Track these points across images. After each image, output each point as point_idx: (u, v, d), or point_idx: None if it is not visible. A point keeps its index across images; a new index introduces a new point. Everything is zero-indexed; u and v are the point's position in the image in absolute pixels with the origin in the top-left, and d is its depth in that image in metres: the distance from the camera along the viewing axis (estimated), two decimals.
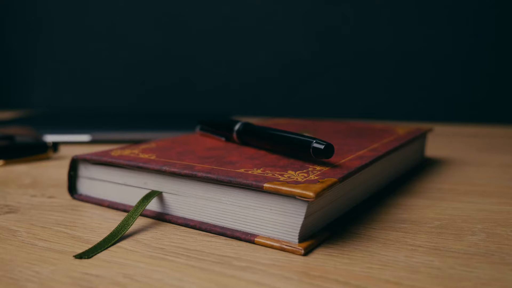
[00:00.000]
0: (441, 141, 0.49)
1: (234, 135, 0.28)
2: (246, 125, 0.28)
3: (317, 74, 0.75)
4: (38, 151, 0.39)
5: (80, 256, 0.18)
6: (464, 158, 0.39)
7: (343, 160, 0.23)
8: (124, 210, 0.24)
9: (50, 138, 0.46)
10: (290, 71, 0.77)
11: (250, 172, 0.21)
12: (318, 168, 0.22)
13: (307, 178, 0.20)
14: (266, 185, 0.19)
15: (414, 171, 0.33)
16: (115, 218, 0.23)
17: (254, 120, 0.44)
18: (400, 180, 0.31)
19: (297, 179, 0.20)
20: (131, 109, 0.88)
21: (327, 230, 0.20)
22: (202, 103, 0.84)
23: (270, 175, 0.20)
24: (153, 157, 0.24)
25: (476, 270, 0.17)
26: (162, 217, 0.23)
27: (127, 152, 0.26)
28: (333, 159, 0.24)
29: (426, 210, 0.24)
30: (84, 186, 0.26)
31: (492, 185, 0.29)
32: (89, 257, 0.18)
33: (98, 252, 0.19)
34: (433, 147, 0.44)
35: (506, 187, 0.29)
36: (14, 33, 1.00)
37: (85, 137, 0.47)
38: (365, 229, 0.21)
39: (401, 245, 0.19)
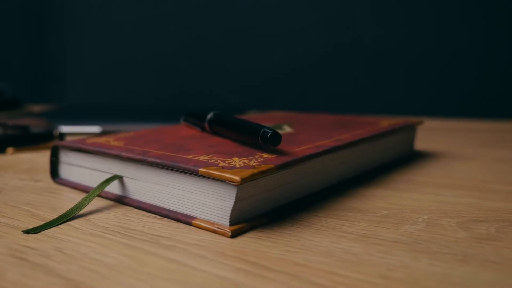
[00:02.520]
0: (441, 135, 0.47)
1: (206, 125, 0.29)
2: (216, 116, 0.29)
3: (334, 70, 0.75)
4: (46, 140, 0.41)
5: (27, 231, 0.19)
6: (457, 152, 0.37)
7: (298, 149, 0.24)
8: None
9: (65, 129, 0.48)
10: (307, 68, 0.77)
11: (196, 158, 0.22)
12: (265, 155, 0.22)
13: (246, 164, 0.20)
14: (201, 169, 0.19)
15: (396, 162, 0.33)
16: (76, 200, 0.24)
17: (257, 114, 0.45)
18: (377, 170, 0.30)
19: (235, 165, 0.20)
20: (153, 104, 0.90)
21: (267, 215, 0.21)
22: (219, 99, 0.85)
23: (213, 161, 0.21)
24: (120, 144, 0.26)
25: (391, 257, 0.16)
26: (121, 200, 0.24)
27: (102, 140, 0.27)
28: (288, 148, 0.24)
29: (381, 200, 0.24)
30: (65, 171, 0.28)
31: (468, 178, 0.28)
32: (35, 233, 0.19)
33: (46, 229, 0.20)
34: (430, 141, 0.43)
35: (481, 181, 0.28)
36: (52, 34, 1.05)
37: (95, 129, 0.49)
38: (307, 216, 0.21)
39: (334, 231, 0.19)
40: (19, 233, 0.19)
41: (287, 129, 0.31)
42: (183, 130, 0.31)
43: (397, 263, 0.16)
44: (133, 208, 0.23)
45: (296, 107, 0.78)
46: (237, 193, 0.19)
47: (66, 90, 1.05)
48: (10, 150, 0.39)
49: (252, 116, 0.40)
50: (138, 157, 0.22)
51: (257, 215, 0.21)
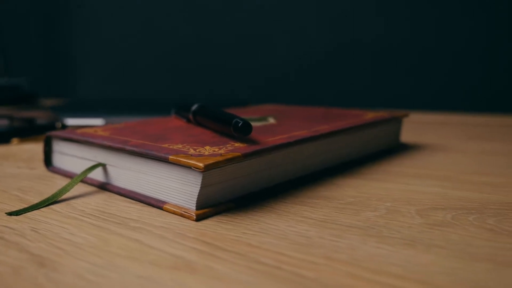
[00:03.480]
0: (434, 128, 0.47)
1: (191, 116, 0.30)
2: (199, 107, 0.29)
3: (339, 67, 0.75)
4: (48, 132, 0.43)
5: (10, 213, 0.21)
6: (444, 144, 0.38)
7: (270, 139, 0.24)
8: (82, 181, 0.26)
9: (70, 121, 0.50)
10: (314, 64, 0.77)
11: (170, 147, 0.22)
12: (236, 144, 0.23)
13: (215, 152, 0.21)
14: (171, 157, 0.20)
15: (379, 154, 0.33)
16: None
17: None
18: (357, 161, 0.30)
19: (204, 153, 0.21)
20: (160, 97, 0.92)
21: (235, 201, 0.22)
22: (226, 95, 0.86)
23: (185, 149, 0.22)
24: (106, 134, 0.27)
25: (341, 240, 0.17)
26: (104, 187, 0.25)
27: (91, 130, 0.29)
28: (262, 138, 0.25)
29: (351, 189, 0.24)
30: (57, 160, 0.29)
31: (445, 169, 0.29)
32: (17, 215, 0.21)
33: (28, 211, 0.21)
34: (421, 134, 0.43)
35: (457, 172, 0.28)
36: (65, 32, 1.08)
37: (99, 121, 0.50)
38: (275, 203, 0.22)
39: (295, 217, 0.20)
40: (2, 215, 0.21)
41: (270, 120, 0.32)
42: (171, 122, 0.32)
43: (345, 245, 0.17)
44: (114, 194, 0.24)
45: (302, 102, 0.79)
46: (202, 179, 0.20)
47: (77, 85, 1.08)
48: (15, 140, 0.41)
49: (246, 109, 0.41)
50: (117, 145, 0.23)
51: (225, 201, 0.21)
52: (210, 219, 0.20)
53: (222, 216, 0.20)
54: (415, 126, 0.49)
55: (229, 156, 0.20)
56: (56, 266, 0.15)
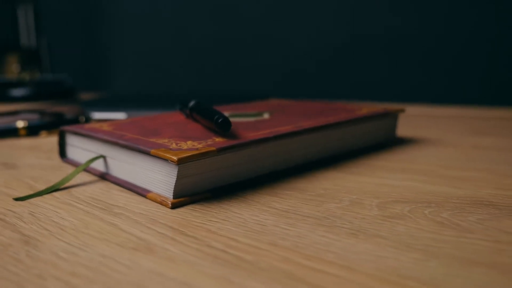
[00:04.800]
0: (436, 122, 0.46)
1: (188, 111, 0.32)
2: (195, 104, 0.31)
3: (354, 60, 0.74)
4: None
5: (17, 199, 0.23)
6: (440, 139, 0.37)
7: (252, 134, 0.26)
8: (88, 171, 0.29)
9: (97, 115, 0.53)
10: (333, 55, 0.77)
11: (157, 141, 0.24)
12: (217, 139, 0.24)
13: (193, 147, 0.23)
14: (152, 150, 0.22)
15: (371, 148, 0.34)
16: (77, 177, 0.28)
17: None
18: (346, 155, 0.31)
19: (184, 147, 0.23)
20: (186, 92, 0.94)
21: (212, 192, 0.23)
22: (251, 85, 0.88)
23: (169, 143, 0.24)
24: (109, 129, 0.29)
25: (293, 228, 0.18)
26: (104, 176, 0.27)
27: (97, 125, 0.31)
28: (246, 133, 0.26)
29: (327, 181, 0.25)
30: (70, 152, 0.32)
31: (429, 164, 0.29)
32: (22, 200, 0.23)
33: (32, 197, 0.24)
34: (421, 127, 0.43)
35: (439, 166, 0.28)
36: (104, 30, 1.13)
37: (121, 115, 0.53)
38: (250, 194, 0.23)
39: (262, 206, 0.21)
40: (10, 200, 0.23)
41: (265, 116, 0.33)
42: (173, 117, 0.34)
43: (294, 234, 0.18)
44: (111, 183, 0.26)
45: (319, 96, 0.79)
46: (178, 171, 0.21)
47: (114, 80, 1.13)
48: (43, 133, 0.45)
49: (251, 104, 0.42)
50: (113, 139, 0.25)
51: (203, 191, 0.23)
52: (186, 207, 0.21)
53: (197, 205, 0.22)
54: (420, 120, 0.49)
55: (204, 150, 0.22)
56: (37, 245, 0.17)
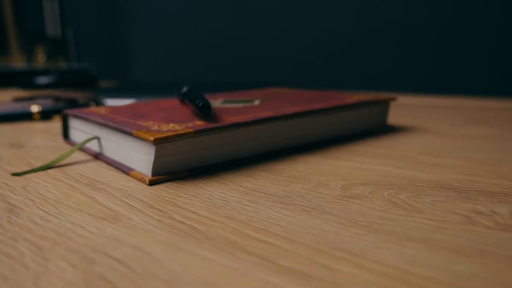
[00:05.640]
0: (433, 111, 0.46)
1: (180, 97, 0.33)
2: (187, 90, 0.32)
3: (366, 50, 0.74)
4: None
5: (14, 174, 0.25)
6: (430, 127, 0.37)
7: (233, 118, 0.27)
8: (84, 151, 0.31)
9: (109, 102, 0.56)
10: (345, 46, 0.77)
11: (142, 124, 0.26)
12: (198, 122, 0.26)
13: (173, 129, 0.24)
14: (134, 131, 0.24)
15: (358, 135, 0.34)
16: (74, 156, 0.30)
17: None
18: (331, 140, 0.32)
19: (163, 129, 0.24)
20: (201, 79, 0.96)
21: (189, 171, 0.24)
22: (265, 76, 0.88)
23: (152, 126, 0.25)
24: (105, 113, 0.31)
25: (253, 205, 0.19)
26: (97, 156, 0.29)
27: (95, 109, 0.33)
28: (228, 118, 0.27)
29: (304, 164, 0.26)
30: (73, 134, 0.34)
31: (408, 150, 0.29)
32: (19, 175, 0.25)
33: (28, 173, 0.25)
34: (415, 116, 0.43)
35: (418, 153, 0.28)
36: (126, 20, 1.15)
37: (131, 101, 0.55)
38: (226, 174, 0.24)
39: (233, 185, 0.22)
40: (8, 175, 0.25)
41: (255, 102, 0.34)
42: (169, 103, 0.36)
43: (252, 209, 0.19)
44: (103, 162, 0.28)
45: (329, 86, 0.79)
46: (156, 151, 0.23)
47: (134, 69, 1.15)
48: (56, 118, 0.47)
49: (248, 92, 0.43)
50: (103, 122, 0.27)
51: (180, 170, 0.24)
52: (163, 184, 0.23)
53: (174, 182, 0.23)
54: (420, 109, 0.48)
55: (181, 132, 0.23)
56: (19, 213, 0.19)
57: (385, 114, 0.37)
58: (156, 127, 0.24)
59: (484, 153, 0.28)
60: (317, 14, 0.79)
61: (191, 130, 0.24)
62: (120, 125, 0.25)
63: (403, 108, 0.52)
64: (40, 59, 1.04)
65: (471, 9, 0.62)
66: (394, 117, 0.45)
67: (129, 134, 0.24)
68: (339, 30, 0.77)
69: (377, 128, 0.36)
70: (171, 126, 0.25)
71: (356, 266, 0.14)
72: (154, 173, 0.23)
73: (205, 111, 0.25)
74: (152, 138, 0.22)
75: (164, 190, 0.22)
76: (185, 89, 0.33)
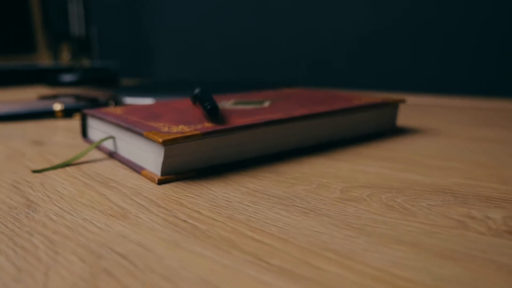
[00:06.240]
0: (445, 113, 0.46)
1: (192, 98, 0.34)
2: (198, 92, 0.33)
3: (380, 49, 0.73)
4: None
5: (34, 171, 0.27)
6: (439, 129, 0.37)
7: (240, 120, 0.27)
8: (101, 150, 0.32)
9: (129, 100, 0.57)
10: (363, 45, 0.76)
11: (153, 125, 0.27)
12: (207, 124, 0.26)
13: (182, 130, 0.25)
14: (144, 132, 0.25)
15: (366, 137, 0.34)
16: (92, 155, 0.31)
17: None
18: (338, 142, 0.32)
19: (173, 130, 0.25)
20: (220, 79, 0.97)
21: (197, 171, 0.25)
22: (284, 75, 0.89)
23: (162, 127, 0.26)
24: (120, 113, 0.32)
25: (254, 205, 0.20)
26: (112, 155, 0.30)
27: (112, 109, 0.34)
28: (233, 119, 0.28)
29: (309, 166, 0.27)
30: (91, 133, 0.35)
31: (412, 153, 0.29)
32: (39, 172, 0.27)
33: (47, 170, 0.27)
34: (427, 118, 0.42)
35: (421, 156, 0.29)
36: (148, 20, 1.17)
37: (149, 100, 0.57)
38: (232, 175, 0.25)
39: (237, 186, 0.23)
40: (29, 172, 0.27)
41: (265, 104, 0.35)
42: (182, 103, 0.37)
43: (252, 210, 0.20)
44: (117, 161, 0.29)
45: (347, 84, 0.79)
46: (165, 152, 0.24)
47: (156, 68, 1.17)
48: (77, 116, 0.49)
49: (260, 93, 0.44)
50: (117, 122, 0.28)
51: (188, 170, 0.25)
52: (171, 184, 0.24)
53: (182, 182, 0.24)
54: (431, 110, 0.48)
55: (189, 134, 0.24)
56: (36, 208, 0.20)
57: (394, 116, 0.37)
58: (166, 129, 0.25)
59: (490, 157, 0.28)
60: (333, 15, 0.79)
61: (198, 132, 0.24)
62: (132, 126, 0.26)
63: (417, 108, 0.52)
64: (65, 57, 1.08)
65: (485, 7, 0.61)
66: (405, 118, 0.45)
67: (140, 134, 0.25)
68: (355, 30, 0.76)
69: (386, 130, 0.36)
70: (180, 127, 0.26)
71: (344, 267, 0.14)
72: (163, 172, 0.24)
73: (213, 114, 0.26)
74: (161, 140, 0.23)
75: (172, 189, 0.23)
76: (197, 90, 0.34)
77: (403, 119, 0.44)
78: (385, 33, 0.73)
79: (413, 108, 0.53)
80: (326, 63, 0.82)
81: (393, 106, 0.36)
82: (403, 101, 0.36)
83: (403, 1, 0.70)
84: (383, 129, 0.36)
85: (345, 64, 0.79)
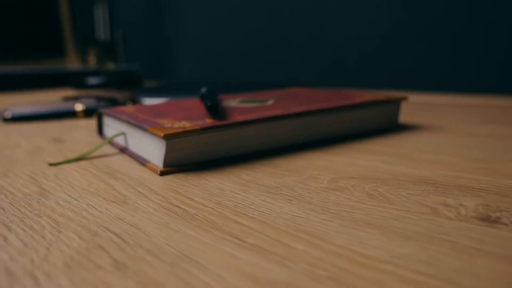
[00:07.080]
0: (448, 110, 0.46)
1: (200, 97, 0.36)
2: (205, 91, 0.35)
3: (396, 48, 0.73)
4: None
5: (51, 164, 0.29)
6: (439, 126, 0.38)
7: (240, 117, 0.29)
8: (114, 145, 0.34)
9: (147, 101, 0.60)
10: (373, 44, 0.77)
11: (159, 121, 0.29)
12: (208, 120, 0.28)
13: (182, 126, 0.27)
14: (149, 128, 0.27)
15: (366, 133, 0.35)
16: (105, 150, 0.34)
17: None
18: (337, 138, 0.33)
19: (175, 126, 0.27)
20: (238, 80, 0.99)
21: (197, 164, 0.27)
22: (298, 76, 0.90)
23: (166, 123, 0.28)
24: (131, 111, 0.34)
25: (244, 193, 0.22)
26: (123, 150, 0.32)
27: (125, 108, 0.36)
28: (235, 116, 0.29)
29: (305, 160, 0.28)
30: (106, 130, 0.38)
31: (409, 148, 0.30)
32: (55, 165, 0.29)
33: (62, 163, 0.29)
34: (431, 115, 0.43)
35: (417, 151, 0.29)
36: (170, 23, 1.21)
37: (163, 100, 0.59)
38: (230, 167, 0.27)
39: (233, 177, 0.25)
40: (46, 165, 0.29)
41: (269, 102, 0.36)
42: (190, 103, 0.39)
43: (241, 197, 0.21)
44: (127, 156, 0.31)
45: (360, 84, 0.79)
46: (166, 145, 0.26)
47: (177, 69, 1.21)
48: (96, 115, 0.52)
49: (263, 92, 0.45)
50: (126, 119, 0.30)
51: (189, 163, 0.27)
52: (173, 175, 0.26)
53: (183, 173, 0.26)
54: (436, 108, 0.48)
55: (188, 129, 0.26)
56: (48, 195, 0.22)
57: (396, 113, 0.38)
58: (169, 125, 0.27)
59: (485, 152, 0.29)
60: (347, 16, 0.79)
61: (198, 127, 0.26)
62: (139, 122, 0.28)
63: (426, 107, 0.52)
64: (91, 60, 1.12)
65: (494, 5, 0.61)
66: (410, 115, 0.45)
67: (145, 130, 0.27)
68: (368, 30, 0.77)
69: (388, 127, 0.37)
70: (182, 123, 0.28)
71: (311, 245, 0.16)
72: (165, 165, 0.26)
73: (213, 111, 0.28)
74: (162, 134, 0.25)
75: (172, 180, 0.25)
76: (203, 89, 0.36)
77: (409, 116, 0.45)
78: (396, 33, 0.73)
79: (422, 107, 0.53)
80: (340, 63, 0.83)
81: (395, 103, 0.37)
82: (405, 98, 0.37)
83: (414, 1, 0.70)
84: (385, 126, 0.37)
85: (357, 64, 0.80)
